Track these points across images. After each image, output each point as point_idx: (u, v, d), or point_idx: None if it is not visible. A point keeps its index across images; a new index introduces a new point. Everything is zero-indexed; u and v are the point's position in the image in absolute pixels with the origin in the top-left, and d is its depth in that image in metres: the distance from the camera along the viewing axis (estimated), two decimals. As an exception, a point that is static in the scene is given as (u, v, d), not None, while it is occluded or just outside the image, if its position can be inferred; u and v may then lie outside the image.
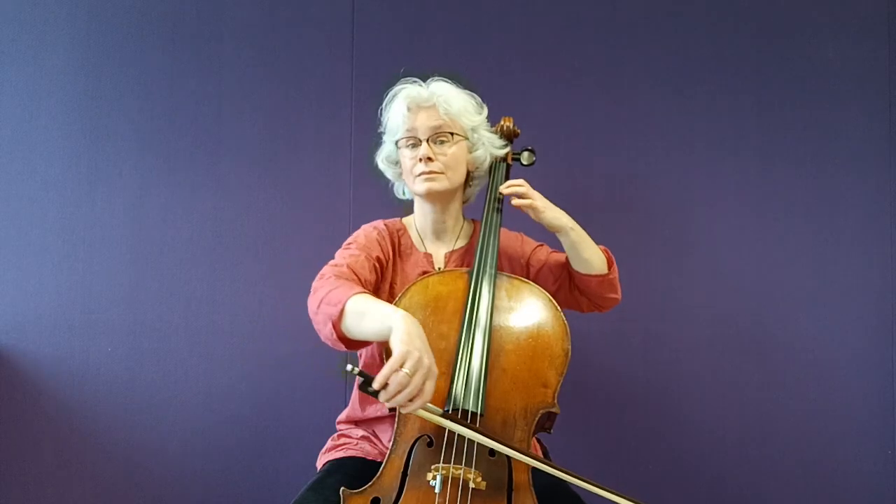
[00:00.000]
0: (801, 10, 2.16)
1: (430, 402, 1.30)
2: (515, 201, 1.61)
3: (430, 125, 1.58)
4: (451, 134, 1.59)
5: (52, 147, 2.08)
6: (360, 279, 1.52)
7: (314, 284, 1.49)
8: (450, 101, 1.58)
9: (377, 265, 1.59)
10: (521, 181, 1.63)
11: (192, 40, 2.11)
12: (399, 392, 1.24)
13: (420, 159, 1.58)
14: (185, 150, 2.10)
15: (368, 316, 1.35)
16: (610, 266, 1.64)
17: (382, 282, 1.62)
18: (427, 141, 1.58)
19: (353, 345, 1.42)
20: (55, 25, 2.10)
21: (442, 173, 1.59)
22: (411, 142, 1.60)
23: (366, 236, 1.64)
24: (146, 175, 2.09)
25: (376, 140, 1.70)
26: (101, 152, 2.09)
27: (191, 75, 2.11)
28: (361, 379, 1.27)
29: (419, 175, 1.59)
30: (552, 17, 2.15)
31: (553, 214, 1.60)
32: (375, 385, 1.25)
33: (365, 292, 1.40)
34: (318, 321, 1.43)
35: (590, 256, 1.61)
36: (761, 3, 2.16)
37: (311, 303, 1.45)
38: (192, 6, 2.12)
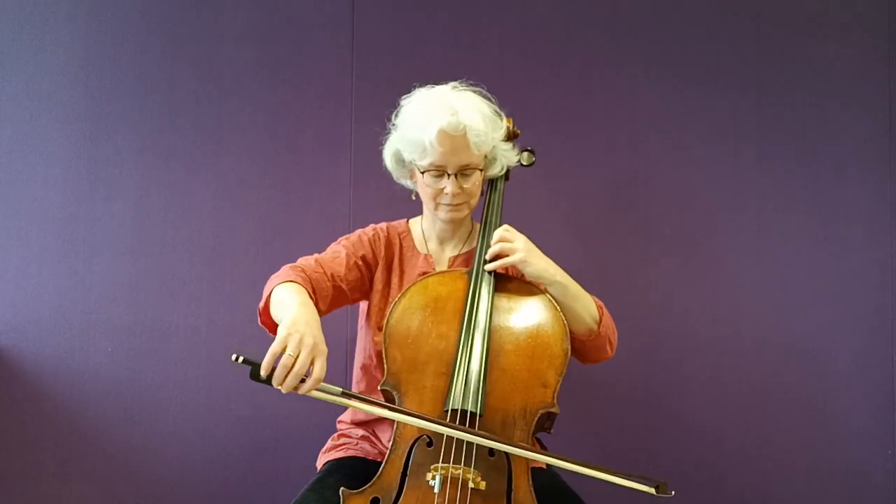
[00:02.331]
0: (801, 9, 2.15)
1: (424, 405, 1.29)
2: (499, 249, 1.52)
3: (459, 163, 1.52)
4: (479, 170, 1.57)
5: (52, 147, 2.08)
6: (326, 273, 1.55)
7: None
8: (481, 133, 1.50)
9: (360, 263, 1.60)
10: (501, 237, 1.52)
11: (192, 40, 2.11)
12: (287, 374, 1.24)
13: (445, 192, 1.55)
14: (185, 150, 2.10)
15: (282, 306, 1.39)
16: (600, 321, 1.51)
17: (374, 282, 1.63)
18: (455, 176, 1.53)
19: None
20: (55, 25, 2.09)
21: (465, 203, 1.58)
22: (435, 171, 1.54)
23: (359, 236, 1.66)
24: (146, 175, 2.09)
25: (383, 134, 1.66)
26: (101, 152, 2.09)
27: (191, 75, 2.10)
28: (248, 367, 1.24)
29: (443, 205, 1.57)
30: (553, 17, 2.14)
31: (540, 266, 1.49)
32: (262, 372, 1.24)
33: (296, 283, 1.45)
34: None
35: (576, 315, 1.49)
36: (761, 2, 2.16)
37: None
38: (192, 6, 2.11)
